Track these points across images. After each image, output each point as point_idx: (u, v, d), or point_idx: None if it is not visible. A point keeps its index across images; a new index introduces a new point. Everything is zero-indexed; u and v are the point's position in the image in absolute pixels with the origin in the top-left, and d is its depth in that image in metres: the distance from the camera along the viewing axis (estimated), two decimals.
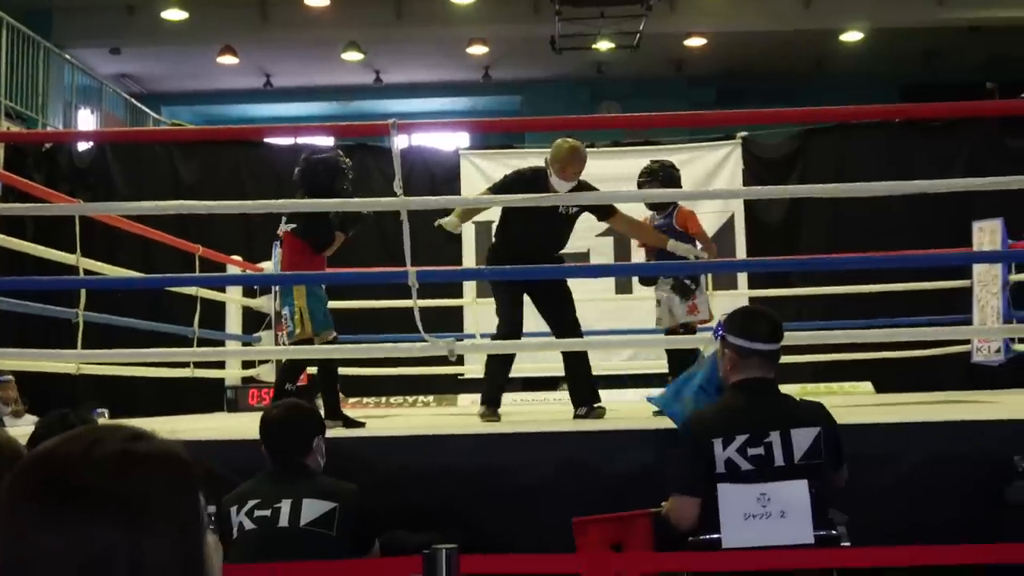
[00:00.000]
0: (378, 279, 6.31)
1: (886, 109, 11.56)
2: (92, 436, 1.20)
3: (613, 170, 11.26)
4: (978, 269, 9.12)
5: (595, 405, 6.18)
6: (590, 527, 3.92)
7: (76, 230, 6.65)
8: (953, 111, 9.80)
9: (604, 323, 10.37)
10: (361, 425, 6.04)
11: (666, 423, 4.29)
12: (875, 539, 3.91)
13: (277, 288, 9.07)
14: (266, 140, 12.14)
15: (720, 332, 3.77)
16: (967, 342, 9.19)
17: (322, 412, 6.16)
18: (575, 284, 10.43)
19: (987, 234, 9.05)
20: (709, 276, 9.87)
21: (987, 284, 8.94)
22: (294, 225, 6.26)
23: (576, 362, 6.36)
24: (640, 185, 6.72)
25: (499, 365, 6.44)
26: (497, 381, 6.43)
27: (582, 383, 6.34)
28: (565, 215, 6.37)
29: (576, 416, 6.21)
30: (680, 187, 6.83)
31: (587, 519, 3.91)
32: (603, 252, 11.27)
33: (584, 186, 6.36)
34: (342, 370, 7.09)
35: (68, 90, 15.00)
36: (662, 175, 6.67)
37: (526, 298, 6.48)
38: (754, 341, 3.63)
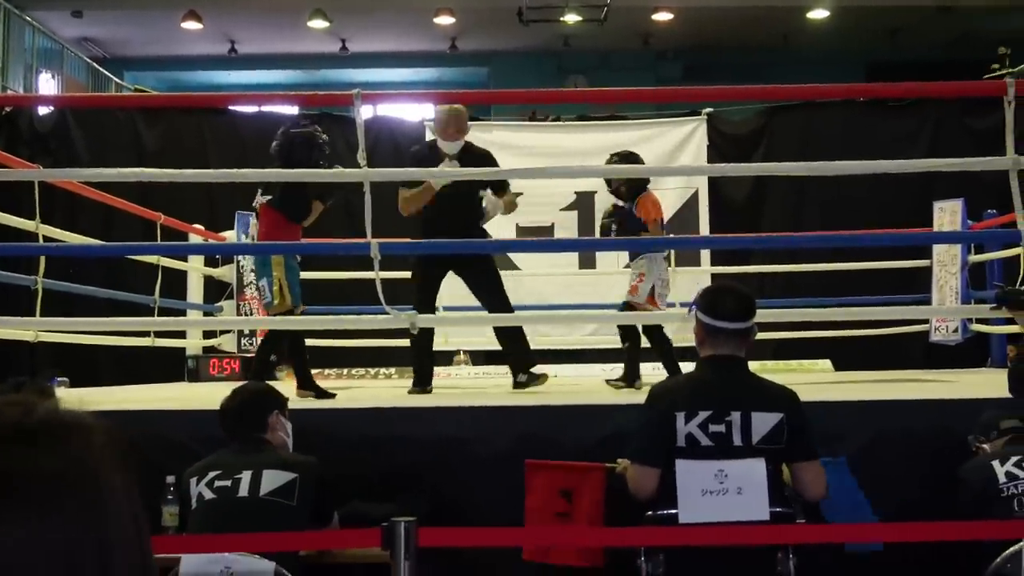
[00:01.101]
0: (340, 250, 6.29)
1: (850, 88, 11.64)
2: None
3: (579, 144, 11.30)
4: (938, 249, 9.20)
5: (533, 371, 6.37)
6: (541, 471, 3.98)
7: (36, 196, 6.58)
8: (914, 91, 9.88)
9: (566, 297, 10.42)
10: (332, 396, 6.05)
11: (626, 398, 4.31)
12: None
13: (248, 259, 9.06)
14: (230, 108, 12.04)
15: (692, 308, 3.81)
16: (926, 321, 9.28)
17: (293, 383, 6.19)
18: (539, 258, 10.50)
19: (947, 214, 9.14)
20: (672, 256, 9.92)
21: (946, 264, 9.03)
22: (270, 196, 6.24)
23: (511, 332, 6.53)
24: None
25: (424, 344, 6.59)
26: (423, 359, 6.62)
27: (519, 351, 6.53)
28: (466, 183, 6.43)
29: (517, 384, 6.37)
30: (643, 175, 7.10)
31: (539, 463, 3.97)
32: (567, 226, 11.28)
33: (471, 147, 6.61)
34: (320, 342, 7.09)
35: (29, 53, 14.79)
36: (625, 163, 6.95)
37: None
38: (718, 319, 3.64)
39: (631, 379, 6.83)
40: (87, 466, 0.99)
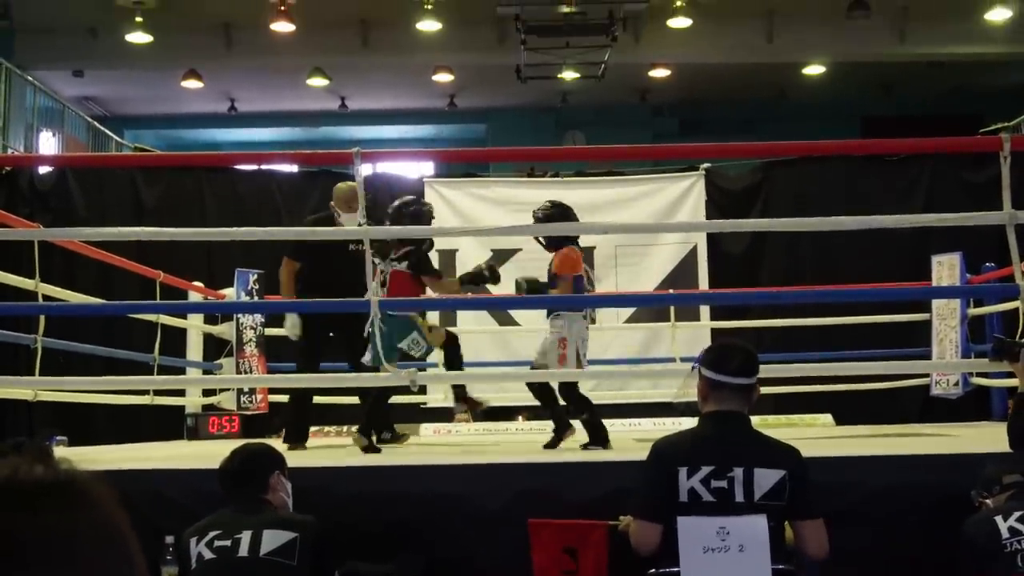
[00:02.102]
0: (340, 308, 6.30)
1: (847, 144, 11.70)
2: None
3: (577, 199, 11.27)
4: (937, 303, 9.21)
5: (396, 432, 7.16)
6: (545, 530, 3.95)
7: (35, 256, 6.59)
8: (911, 147, 9.92)
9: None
10: (377, 451, 6.32)
11: (626, 455, 4.29)
12: (834, 572, 3.93)
13: (247, 316, 9.11)
14: (230, 166, 12.09)
15: (695, 364, 3.81)
16: (926, 375, 9.26)
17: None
18: (540, 313, 10.53)
19: (946, 268, 9.15)
20: (672, 312, 9.96)
21: (946, 318, 9.03)
22: (407, 262, 6.47)
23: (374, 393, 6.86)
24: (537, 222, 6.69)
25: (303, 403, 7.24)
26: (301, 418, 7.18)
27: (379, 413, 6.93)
28: (356, 251, 6.48)
29: (380, 441, 6.79)
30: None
31: (543, 522, 3.94)
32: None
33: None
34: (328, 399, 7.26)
35: (30, 112, 14.87)
36: (556, 215, 6.62)
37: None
38: (722, 374, 3.64)
39: (602, 441, 6.35)
40: (96, 526, 0.98)
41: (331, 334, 7.10)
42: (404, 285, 6.47)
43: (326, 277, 6.68)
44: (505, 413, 10.77)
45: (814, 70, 17.03)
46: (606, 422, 8.93)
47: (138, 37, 14.99)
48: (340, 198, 6.99)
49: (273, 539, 3.62)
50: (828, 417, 9.56)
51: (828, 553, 3.63)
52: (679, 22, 14.73)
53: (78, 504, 1.00)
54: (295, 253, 7.00)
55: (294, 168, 12.18)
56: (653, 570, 3.54)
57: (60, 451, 6.32)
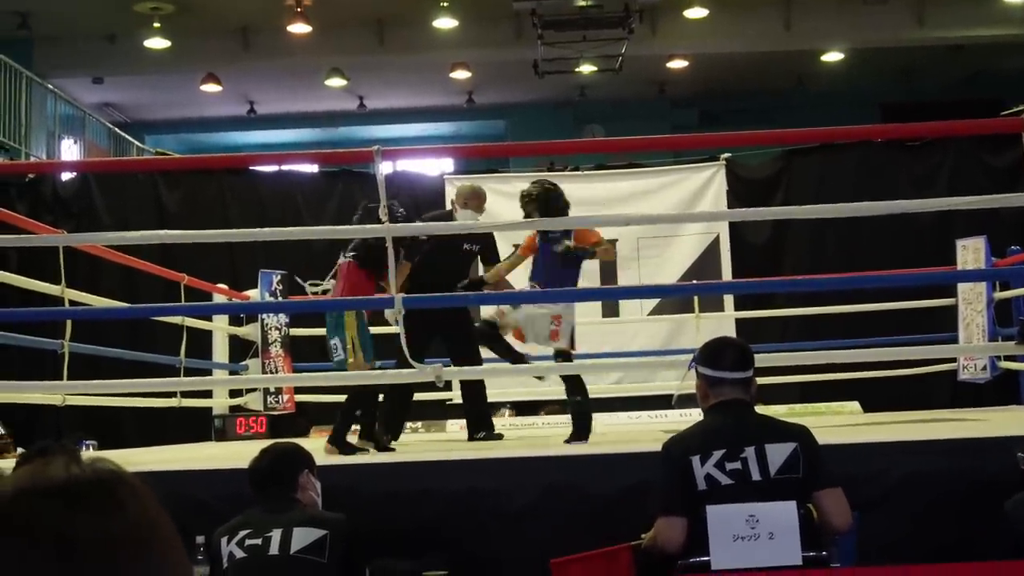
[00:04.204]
0: (364, 305, 6.30)
1: (868, 130, 11.64)
2: (39, 467, 1.02)
3: (597, 192, 11.32)
4: (963, 287, 9.16)
5: (493, 432, 6.99)
6: (571, 567, 3.88)
7: (60, 261, 6.63)
8: (931, 130, 9.86)
9: (590, 346, 10.40)
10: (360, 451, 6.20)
11: (652, 446, 4.29)
12: (865, 559, 3.92)
13: (272, 317, 9.14)
14: (250, 168, 12.13)
15: (692, 364, 3.83)
16: (953, 360, 9.22)
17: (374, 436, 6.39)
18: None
19: (971, 252, 9.10)
20: (696, 302, 9.94)
21: (972, 302, 8.98)
22: (354, 254, 6.38)
23: (472, 391, 7.06)
24: (523, 209, 6.64)
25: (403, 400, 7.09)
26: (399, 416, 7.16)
27: (478, 410, 7.09)
28: (469, 251, 7.04)
29: (474, 439, 6.83)
30: (565, 207, 6.61)
31: (566, 560, 3.86)
32: (589, 275, 11.26)
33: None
34: (331, 398, 7.12)
35: (51, 120, 14.98)
36: (540, 198, 6.54)
37: None
38: (720, 370, 3.68)
39: (584, 433, 6.36)
40: (143, 526, 0.98)
41: (434, 334, 6.89)
42: (351, 276, 6.38)
43: (437, 276, 6.60)
44: (530, 408, 10.78)
45: (832, 57, 16.95)
46: (633, 414, 8.93)
47: (156, 42, 15.06)
48: (460, 195, 7.14)
49: (303, 536, 3.63)
50: (855, 404, 9.53)
51: (850, 523, 3.62)
52: (695, 12, 14.70)
53: (119, 504, 1.00)
54: (409, 255, 6.67)
55: (314, 168, 12.20)
56: (682, 562, 3.54)
57: (90, 454, 6.36)
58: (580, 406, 6.47)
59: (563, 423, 9.49)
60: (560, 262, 6.39)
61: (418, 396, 8.65)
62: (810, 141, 10.97)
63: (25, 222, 6.98)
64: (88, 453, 6.51)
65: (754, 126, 15.07)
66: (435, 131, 19.96)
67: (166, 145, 18.82)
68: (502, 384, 9.90)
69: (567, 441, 6.26)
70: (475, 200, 7.05)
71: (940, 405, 9.67)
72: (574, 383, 6.50)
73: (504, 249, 11.23)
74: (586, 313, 10.92)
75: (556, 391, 7.50)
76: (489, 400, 7.45)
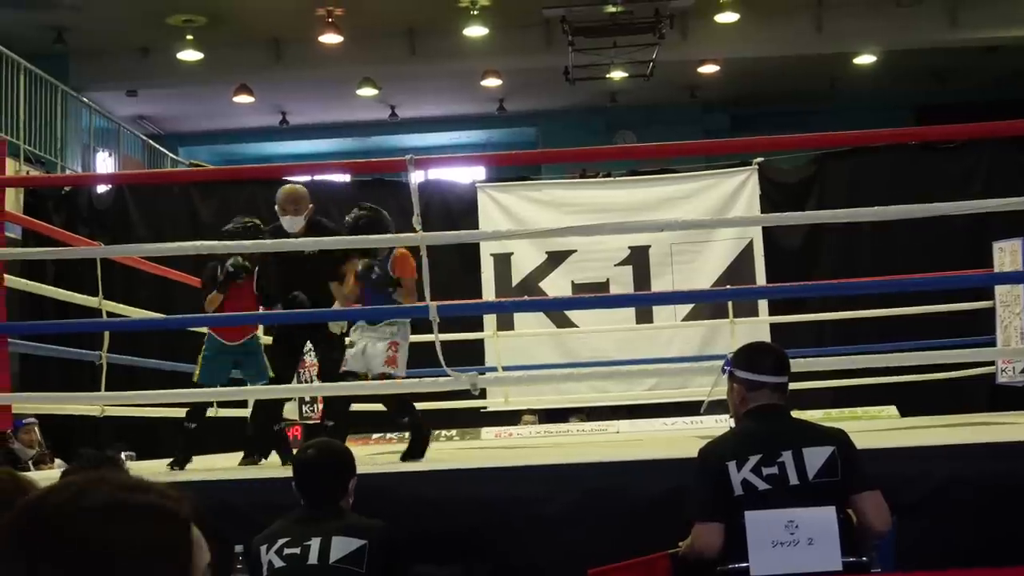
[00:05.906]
0: (398, 314, 6.30)
1: (902, 132, 11.58)
2: (82, 485, 1.07)
3: (631, 199, 11.32)
4: (1000, 290, 9.09)
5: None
6: None
7: (97, 273, 6.68)
8: (967, 132, 9.78)
9: (624, 353, 10.39)
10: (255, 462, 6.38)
11: (688, 452, 4.27)
12: (905, 564, 3.88)
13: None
14: (284, 178, 12.16)
15: (728, 367, 3.81)
16: (991, 364, 9.13)
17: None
18: (596, 314, 10.56)
19: (1008, 254, 9.03)
20: (730, 307, 9.89)
21: (1010, 304, 8.91)
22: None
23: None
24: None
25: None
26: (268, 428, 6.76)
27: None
28: (307, 256, 6.50)
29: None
30: (388, 231, 6.26)
31: (602, 570, 3.84)
32: (622, 281, 11.26)
33: (316, 223, 6.62)
34: (367, 406, 7.12)
35: (86, 133, 15.11)
36: (364, 223, 6.18)
37: None
38: (760, 374, 3.70)
39: (420, 451, 6.09)
40: (180, 537, 0.99)
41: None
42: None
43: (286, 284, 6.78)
44: (560, 415, 10.76)
45: (865, 60, 16.83)
46: (668, 420, 8.88)
47: (189, 55, 15.17)
48: (278, 203, 6.69)
49: (342, 546, 3.63)
50: (893, 409, 9.46)
51: (890, 526, 3.60)
52: (726, 17, 14.65)
53: (159, 519, 1.01)
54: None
55: (347, 178, 12.25)
56: (720, 568, 3.52)
57: (131, 465, 6.40)
58: (414, 422, 6.20)
59: (598, 429, 9.48)
60: (371, 287, 6.20)
61: (452, 404, 8.67)
62: (843, 144, 10.91)
63: (61, 234, 7.05)
64: (129, 463, 6.56)
65: (787, 130, 14.95)
66: (466, 139, 19.98)
67: (200, 156, 18.95)
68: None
69: (403, 459, 5.94)
70: (292, 204, 6.55)
71: (978, 409, 9.57)
72: (402, 404, 6.24)
73: (535, 257, 11.23)
74: (620, 320, 10.91)
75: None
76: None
